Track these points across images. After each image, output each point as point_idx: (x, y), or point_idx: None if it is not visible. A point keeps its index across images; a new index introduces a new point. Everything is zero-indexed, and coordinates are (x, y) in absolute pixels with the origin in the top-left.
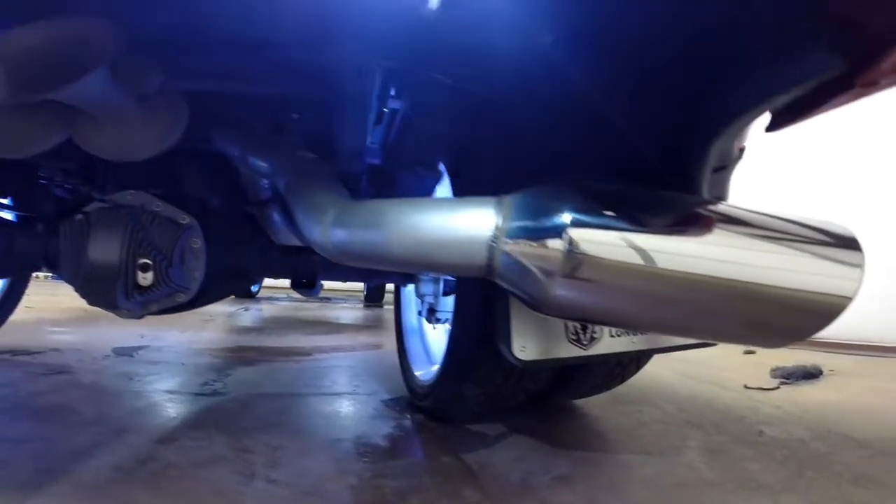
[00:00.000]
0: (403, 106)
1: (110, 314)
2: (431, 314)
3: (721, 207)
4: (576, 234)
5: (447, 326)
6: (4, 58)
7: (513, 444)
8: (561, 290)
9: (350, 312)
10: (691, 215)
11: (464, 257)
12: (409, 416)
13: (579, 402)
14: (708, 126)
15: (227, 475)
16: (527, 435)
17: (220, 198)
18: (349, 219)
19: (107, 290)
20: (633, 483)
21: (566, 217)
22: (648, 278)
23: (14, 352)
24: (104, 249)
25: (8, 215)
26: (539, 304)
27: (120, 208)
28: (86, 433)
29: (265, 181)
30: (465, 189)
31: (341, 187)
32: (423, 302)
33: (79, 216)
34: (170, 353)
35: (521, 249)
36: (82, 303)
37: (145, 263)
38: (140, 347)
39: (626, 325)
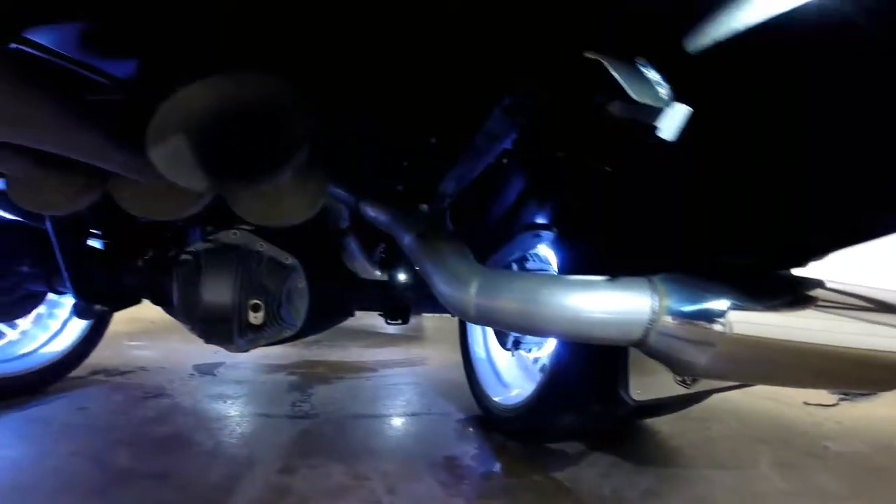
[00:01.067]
0: (521, 171)
1: (176, 325)
2: (516, 345)
3: (840, 288)
4: (734, 316)
5: (520, 353)
6: (193, 135)
7: (595, 461)
8: (710, 361)
9: None
10: (820, 296)
11: (620, 333)
12: (487, 437)
13: (647, 419)
14: (866, 235)
15: None
16: (606, 452)
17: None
18: (497, 290)
19: (224, 330)
20: (717, 494)
21: (723, 302)
22: (791, 351)
23: (107, 371)
24: (218, 292)
25: (96, 243)
26: (684, 370)
27: (227, 249)
28: (215, 466)
29: (346, 211)
30: (571, 255)
31: (469, 250)
32: (506, 334)
33: (187, 256)
34: (247, 371)
35: (678, 328)
36: (147, 312)
37: (256, 304)
38: (218, 364)
39: (759, 383)
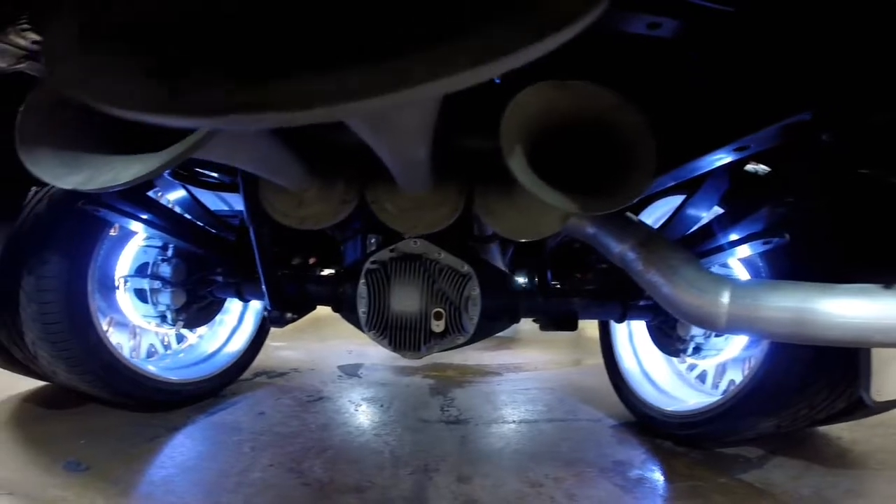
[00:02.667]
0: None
1: (310, 325)
2: (697, 351)
3: None
4: None
5: (678, 363)
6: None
7: (779, 465)
8: None
9: None
10: None
11: None
12: (651, 442)
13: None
14: None
15: None
16: (787, 456)
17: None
18: (761, 300)
19: (412, 338)
20: None
21: None
22: None
23: (267, 373)
24: (407, 301)
25: None
26: None
27: (411, 258)
28: (400, 477)
29: None
30: (802, 262)
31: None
32: (684, 343)
33: (374, 266)
34: (386, 373)
35: None
36: None
37: (438, 312)
38: (358, 366)
39: None
